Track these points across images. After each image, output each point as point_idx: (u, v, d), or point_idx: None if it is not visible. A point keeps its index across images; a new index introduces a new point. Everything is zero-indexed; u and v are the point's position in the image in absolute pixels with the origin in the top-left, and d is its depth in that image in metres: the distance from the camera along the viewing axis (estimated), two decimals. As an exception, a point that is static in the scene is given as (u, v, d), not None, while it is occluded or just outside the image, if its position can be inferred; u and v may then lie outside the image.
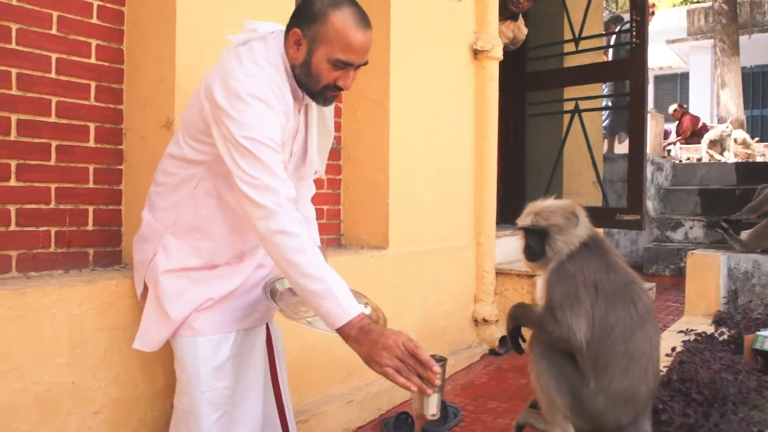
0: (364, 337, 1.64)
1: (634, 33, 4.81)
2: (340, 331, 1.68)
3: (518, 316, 2.29)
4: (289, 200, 1.73)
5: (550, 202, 2.24)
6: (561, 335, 2.05)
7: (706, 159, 10.14)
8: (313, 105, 1.97)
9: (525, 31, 5.13)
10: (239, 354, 2.03)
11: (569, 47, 5.41)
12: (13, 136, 2.21)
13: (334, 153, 3.57)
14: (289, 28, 1.86)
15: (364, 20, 1.79)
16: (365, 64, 1.85)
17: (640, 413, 2.06)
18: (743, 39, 14.34)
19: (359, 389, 3.17)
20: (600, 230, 6.31)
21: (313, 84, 1.84)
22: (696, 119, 12.54)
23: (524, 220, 2.22)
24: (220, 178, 1.88)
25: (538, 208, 2.22)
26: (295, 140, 1.97)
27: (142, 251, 2.04)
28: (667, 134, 12.52)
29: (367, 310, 2.00)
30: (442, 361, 1.76)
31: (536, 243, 2.17)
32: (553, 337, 2.08)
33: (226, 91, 1.72)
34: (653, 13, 8.20)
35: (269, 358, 2.15)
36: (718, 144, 10.46)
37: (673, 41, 18.04)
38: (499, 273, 4.34)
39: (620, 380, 2.02)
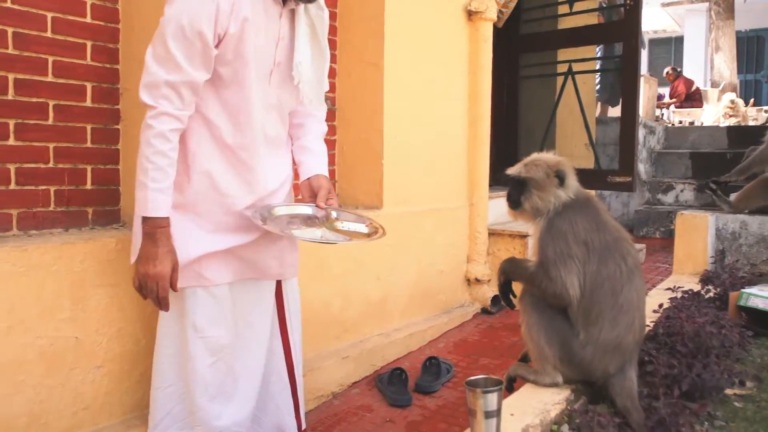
0: (146, 241, 1.82)
1: (628, -6, 4.80)
2: (144, 224, 1.82)
3: (510, 271, 2.34)
4: (170, 86, 1.77)
5: (543, 156, 2.30)
6: (555, 291, 2.12)
7: (723, 122, 10.11)
8: (301, 13, 1.94)
9: None
10: (241, 305, 2.06)
11: (563, 9, 5.40)
12: (10, 95, 2.23)
13: (330, 114, 3.58)
14: None
15: None
16: None
17: (626, 362, 2.14)
18: (738, 2, 14.24)
19: (354, 346, 3.25)
20: (592, 192, 6.38)
21: None
22: (690, 82, 12.51)
23: (513, 168, 2.30)
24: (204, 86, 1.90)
25: (528, 160, 2.29)
26: (278, 47, 1.94)
27: None
28: (660, 98, 12.51)
29: (366, 229, 2.07)
30: (498, 385, 1.82)
31: (515, 192, 2.25)
32: (546, 293, 2.15)
33: None
34: None
35: (279, 315, 2.18)
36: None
37: (668, 4, 17.92)
38: (492, 233, 4.40)
39: (609, 330, 2.09)
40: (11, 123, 2.23)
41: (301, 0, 1.91)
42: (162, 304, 1.85)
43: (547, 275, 2.12)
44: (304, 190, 2.11)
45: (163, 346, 2.00)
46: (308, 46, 1.98)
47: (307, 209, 2.07)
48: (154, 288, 1.82)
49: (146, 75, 1.78)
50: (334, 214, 2.07)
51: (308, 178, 2.12)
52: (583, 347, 2.12)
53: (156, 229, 1.82)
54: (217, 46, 1.81)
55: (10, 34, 2.22)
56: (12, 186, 2.24)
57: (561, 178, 2.22)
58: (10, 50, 2.23)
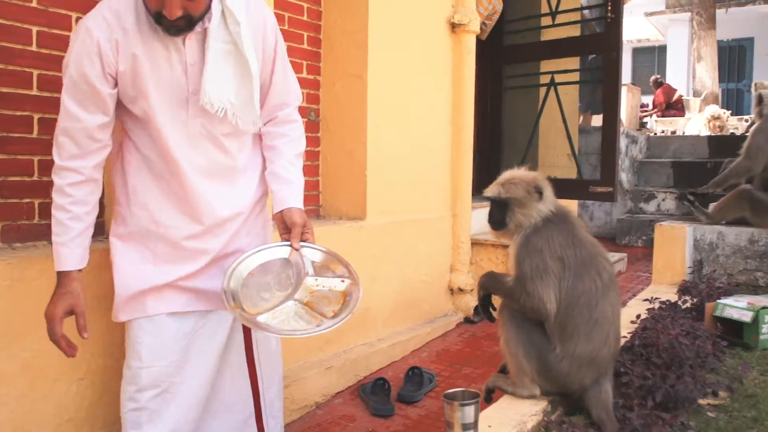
0: (55, 292, 1.85)
1: (609, 8, 4.88)
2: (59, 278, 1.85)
3: (489, 285, 2.36)
4: (67, 134, 1.80)
5: (517, 173, 2.31)
6: (532, 305, 2.15)
7: (706, 132, 10.23)
8: (213, 34, 1.80)
9: (501, 3, 5.17)
10: (193, 335, 2.01)
11: (546, 21, 5.47)
12: (-5, 109, 2.24)
13: (313, 125, 3.62)
14: None
15: None
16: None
17: (602, 374, 2.19)
18: (720, 13, 14.43)
19: (338, 356, 3.27)
20: (575, 201, 6.44)
21: (150, 11, 1.74)
22: (672, 92, 12.66)
23: (490, 189, 2.31)
24: (125, 118, 1.92)
25: (503, 179, 2.30)
26: (188, 75, 1.83)
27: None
28: (644, 107, 12.64)
29: (341, 285, 1.93)
30: (475, 398, 1.86)
31: (498, 213, 2.27)
32: (525, 307, 2.18)
33: None
34: None
35: (246, 343, 2.12)
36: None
37: (651, 14, 18.10)
38: (475, 243, 4.45)
39: (584, 344, 2.14)
40: (-5, 136, 2.25)
41: (166, 32, 1.75)
42: (56, 343, 1.84)
43: (524, 290, 2.15)
44: (278, 224, 2.02)
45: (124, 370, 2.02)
46: (227, 66, 1.84)
47: (279, 252, 1.96)
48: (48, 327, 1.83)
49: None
50: (306, 253, 1.94)
51: (281, 211, 2.01)
52: (559, 361, 2.16)
53: (60, 274, 1.86)
54: (115, 86, 1.81)
55: (-6, 49, 2.24)
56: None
57: (540, 193, 2.25)
58: (-5, 64, 2.24)
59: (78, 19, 2.45)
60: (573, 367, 2.15)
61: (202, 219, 1.95)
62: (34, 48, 2.34)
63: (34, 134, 2.35)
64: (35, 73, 2.34)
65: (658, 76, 13.32)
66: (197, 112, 1.87)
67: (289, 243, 1.95)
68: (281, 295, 1.83)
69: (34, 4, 2.33)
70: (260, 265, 1.93)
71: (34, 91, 2.34)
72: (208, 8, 1.76)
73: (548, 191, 2.28)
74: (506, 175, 2.32)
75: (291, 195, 2.02)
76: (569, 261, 2.15)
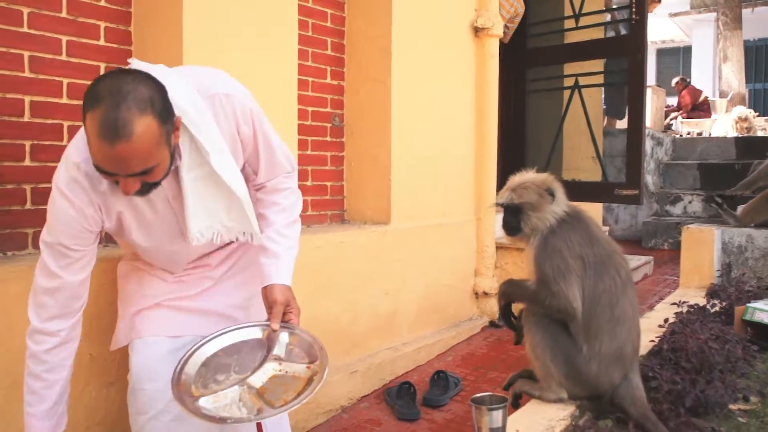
0: None
1: (634, 9, 4.84)
2: None
3: (510, 293, 2.34)
4: (46, 293, 1.71)
5: (527, 177, 2.28)
6: (559, 306, 2.13)
7: (732, 133, 10.11)
8: (183, 174, 1.68)
9: (523, 5, 5.16)
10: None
11: (569, 23, 5.44)
12: (26, 117, 2.29)
13: (337, 131, 3.64)
14: None
15: (112, 131, 1.42)
16: (144, 173, 1.51)
17: (629, 370, 2.18)
18: (746, 12, 14.25)
19: (363, 360, 3.28)
20: (599, 204, 6.39)
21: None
22: (697, 93, 12.49)
23: (501, 196, 2.28)
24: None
25: (514, 184, 2.27)
26: (173, 209, 1.76)
27: None
28: (668, 107, 12.51)
29: (305, 372, 1.75)
30: (503, 402, 1.85)
31: (512, 219, 2.24)
32: (550, 309, 2.16)
33: None
34: None
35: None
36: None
37: (676, 14, 17.93)
38: (500, 247, 4.43)
39: (609, 343, 2.13)
40: (27, 144, 2.29)
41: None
42: None
43: (549, 291, 2.14)
44: (263, 300, 1.87)
45: None
46: (208, 192, 1.72)
47: (253, 333, 1.83)
48: None
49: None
50: (282, 335, 1.79)
51: (264, 287, 1.86)
52: (587, 362, 2.15)
53: None
54: (98, 235, 1.76)
55: (26, 58, 2.29)
56: (28, 206, 2.30)
57: (552, 195, 2.23)
58: (27, 73, 2.29)
59: (107, 28, 2.50)
60: (602, 366, 2.14)
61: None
62: (63, 57, 2.39)
63: (64, 142, 2.38)
64: (65, 81, 2.39)
65: (684, 78, 13.16)
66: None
67: (267, 323, 1.81)
68: (236, 378, 1.71)
69: (63, 15, 2.38)
70: (227, 347, 1.82)
71: (64, 100, 2.39)
72: (171, 164, 1.60)
73: (560, 192, 2.26)
74: (516, 179, 2.29)
75: (275, 270, 1.86)
76: (588, 259, 2.14)
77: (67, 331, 1.75)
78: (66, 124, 2.39)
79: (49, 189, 2.30)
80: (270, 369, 1.72)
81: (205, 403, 1.63)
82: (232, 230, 1.80)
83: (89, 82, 2.39)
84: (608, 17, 6.50)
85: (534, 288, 2.20)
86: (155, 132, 1.47)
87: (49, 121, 2.35)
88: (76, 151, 1.63)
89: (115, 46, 2.53)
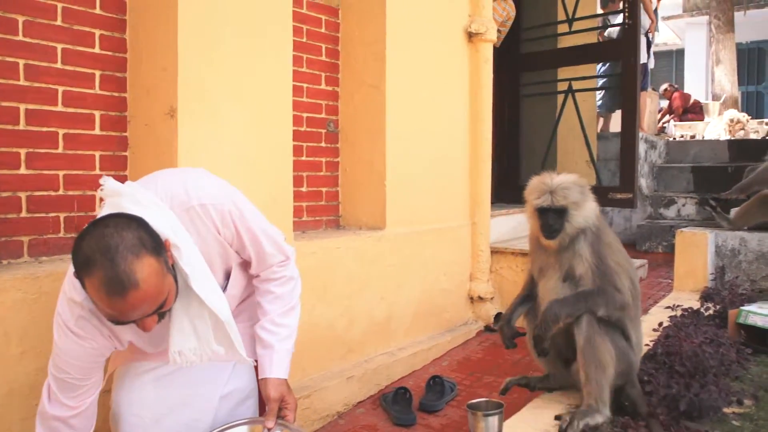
0: None
1: (626, 14, 4.87)
2: None
3: (559, 314, 2.15)
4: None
5: (561, 179, 2.24)
6: (623, 301, 2.15)
7: (725, 136, 10.16)
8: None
9: (514, 9, 5.18)
10: (165, 390, 1.87)
11: (563, 28, 5.47)
12: (21, 125, 2.29)
13: (332, 136, 3.65)
14: None
15: (119, 285, 1.43)
16: (155, 313, 1.54)
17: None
18: (738, 15, 14.31)
19: (359, 365, 3.29)
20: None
21: None
22: (687, 96, 12.60)
23: (542, 200, 2.21)
24: None
25: (552, 186, 2.21)
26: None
27: None
28: (660, 112, 12.58)
29: None
30: (499, 408, 1.87)
31: (556, 221, 2.18)
32: (614, 307, 2.14)
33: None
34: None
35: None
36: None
37: (668, 17, 17.99)
38: (494, 252, 4.44)
39: (639, 330, 2.25)
40: (22, 152, 2.29)
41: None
42: None
43: (615, 287, 2.13)
44: (261, 393, 1.88)
45: None
46: (202, 315, 1.70)
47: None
48: None
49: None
50: None
51: (260, 380, 1.87)
52: (634, 351, 2.22)
53: None
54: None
55: (21, 66, 2.29)
56: (23, 214, 2.30)
57: (589, 192, 2.24)
58: (22, 81, 2.29)
59: (102, 36, 2.50)
60: (638, 354, 2.22)
61: None
62: (59, 65, 2.39)
63: (60, 149, 2.40)
64: (60, 89, 2.39)
65: (672, 84, 13.28)
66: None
67: (262, 420, 1.80)
68: None
69: (58, 23, 2.39)
70: None
71: (59, 107, 2.39)
72: (177, 285, 1.61)
73: (589, 189, 2.26)
74: (548, 181, 2.23)
75: (270, 363, 1.85)
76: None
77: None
78: (61, 132, 2.40)
79: (45, 197, 2.34)
80: None
81: None
82: (219, 355, 1.74)
83: (84, 90, 2.43)
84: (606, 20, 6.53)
85: (595, 289, 2.14)
86: (157, 268, 1.49)
87: (45, 129, 2.35)
88: (75, 290, 1.60)
89: (110, 53, 2.54)
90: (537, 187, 2.25)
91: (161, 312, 1.55)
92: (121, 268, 1.42)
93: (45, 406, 1.73)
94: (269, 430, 1.75)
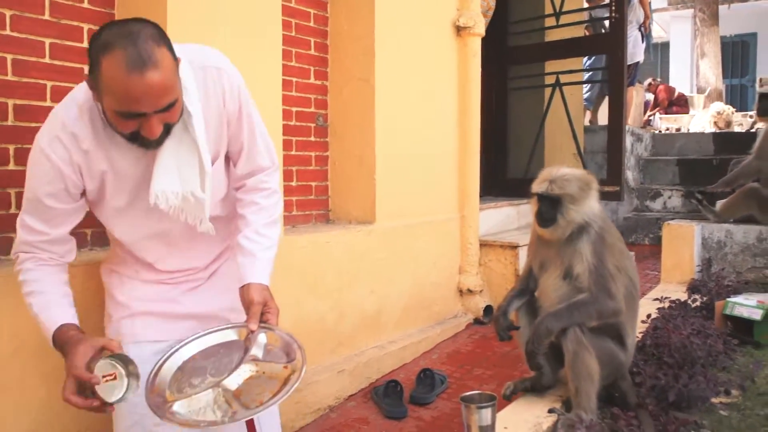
0: (61, 350, 1.62)
1: (613, 8, 4.89)
2: (56, 345, 1.65)
3: (552, 327, 2.16)
4: (28, 244, 1.70)
5: (566, 171, 2.24)
6: (615, 308, 2.14)
7: (710, 129, 10.23)
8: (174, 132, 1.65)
9: None
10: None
11: (550, 21, 5.49)
12: (10, 121, 2.27)
13: (321, 130, 3.65)
14: None
15: (140, 62, 1.44)
16: (168, 108, 1.53)
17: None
18: (722, 8, 14.42)
19: (350, 359, 3.30)
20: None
21: (119, 132, 1.58)
22: (672, 89, 12.71)
23: (540, 186, 2.22)
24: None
25: (554, 176, 2.22)
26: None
27: None
28: (647, 105, 12.66)
29: (283, 372, 1.71)
30: (492, 400, 1.87)
31: (549, 210, 2.19)
32: (606, 314, 2.14)
33: None
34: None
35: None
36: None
37: (654, 11, 18.07)
38: (483, 245, 4.46)
39: (634, 332, 2.26)
40: (11, 148, 2.27)
41: (141, 147, 1.62)
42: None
43: (608, 294, 2.12)
44: (241, 300, 1.83)
45: None
46: (192, 161, 1.70)
47: (230, 335, 1.82)
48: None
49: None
50: (260, 338, 1.75)
51: (241, 287, 1.83)
52: (626, 354, 2.24)
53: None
54: (81, 197, 1.73)
55: (9, 61, 2.27)
56: (13, 210, 2.28)
57: (591, 189, 2.24)
58: (10, 77, 2.27)
59: (90, 30, 2.49)
60: (630, 355, 2.24)
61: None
62: (47, 60, 2.37)
63: (49, 145, 2.37)
64: (49, 84, 2.37)
65: (655, 78, 13.38)
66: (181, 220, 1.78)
67: (245, 324, 1.75)
68: (212, 381, 1.69)
69: (46, 17, 2.37)
70: (204, 350, 1.80)
71: (48, 103, 2.37)
72: (182, 110, 1.62)
73: (595, 189, 2.25)
74: (554, 171, 2.24)
75: (251, 270, 1.83)
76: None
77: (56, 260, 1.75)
78: (50, 127, 2.38)
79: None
80: (246, 370, 1.70)
81: (179, 407, 1.61)
82: (198, 206, 1.73)
83: (73, 85, 2.40)
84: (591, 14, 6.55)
85: (588, 297, 2.14)
86: (172, 63, 1.52)
87: (33, 125, 2.32)
88: (65, 110, 1.65)
89: (98, 48, 2.52)
90: (542, 175, 2.27)
91: (166, 124, 1.56)
92: (142, 48, 1.45)
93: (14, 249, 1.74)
94: (252, 332, 1.72)
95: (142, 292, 1.88)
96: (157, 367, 1.72)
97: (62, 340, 1.62)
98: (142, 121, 1.52)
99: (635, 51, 8.05)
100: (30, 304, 1.70)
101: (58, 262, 1.77)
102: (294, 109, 3.45)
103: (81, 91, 1.67)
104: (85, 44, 2.48)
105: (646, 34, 8.33)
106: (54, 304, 1.69)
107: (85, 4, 2.48)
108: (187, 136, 1.67)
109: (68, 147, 1.63)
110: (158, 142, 1.60)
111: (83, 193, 1.72)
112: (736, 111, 11.74)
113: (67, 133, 1.62)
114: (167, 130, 1.59)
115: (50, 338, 1.65)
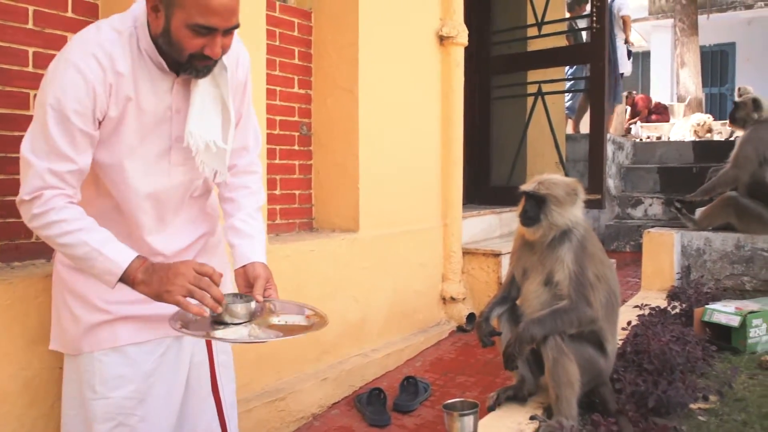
0: (150, 277, 1.60)
1: (594, 18, 4.96)
2: (126, 280, 1.60)
3: (535, 334, 2.16)
4: (56, 176, 1.59)
5: (557, 177, 2.29)
6: (592, 316, 2.17)
7: (690, 137, 10.38)
8: (199, 83, 1.70)
9: None
10: (151, 363, 1.84)
11: (532, 32, 5.55)
12: (-7, 129, 2.27)
13: (305, 139, 3.66)
14: None
15: None
16: (236, 27, 1.62)
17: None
18: (702, 19, 14.60)
19: (333, 367, 3.31)
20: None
21: (177, 54, 1.61)
22: (648, 99, 12.93)
23: (528, 185, 2.26)
24: (96, 163, 1.70)
25: (543, 178, 2.27)
26: (173, 122, 1.72)
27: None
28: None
29: (306, 321, 1.78)
30: (474, 408, 1.89)
31: (533, 208, 2.22)
32: (584, 322, 2.17)
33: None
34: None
35: (210, 370, 1.98)
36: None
37: (635, 20, 18.26)
38: (466, 252, 4.49)
39: (614, 339, 2.28)
40: (-6, 157, 2.27)
41: (191, 74, 1.66)
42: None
43: (587, 302, 2.15)
44: (239, 279, 1.85)
45: (67, 407, 1.87)
46: (216, 112, 1.75)
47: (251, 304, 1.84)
48: (195, 277, 1.59)
49: (26, 173, 1.61)
50: (274, 306, 1.81)
51: (243, 266, 1.85)
52: (607, 360, 2.26)
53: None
54: (97, 129, 1.65)
55: (-8, 70, 2.27)
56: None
57: (577, 197, 2.26)
58: (-7, 86, 2.27)
59: (74, 39, 2.48)
60: (611, 361, 2.27)
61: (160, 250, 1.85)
62: (30, 69, 2.37)
63: (32, 154, 2.37)
64: (32, 93, 2.37)
65: (631, 91, 13.58)
66: (181, 159, 1.77)
67: (250, 296, 1.75)
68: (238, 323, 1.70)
69: (29, 26, 2.37)
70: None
71: (32, 111, 2.36)
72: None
73: (581, 198, 2.28)
74: (544, 176, 2.29)
75: (253, 250, 1.87)
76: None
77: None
78: (33, 136, 2.37)
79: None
80: (269, 321, 1.74)
81: (221, 335, 1.64)
82: (216, 156, 1.76)
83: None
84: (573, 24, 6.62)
85: (569, 304, 2.16)
86: None
87: (17, 134, 2.32)
88: (99, 33, 1.63)
89: (82, 57, 2.52)
90: (534, 178, 2.31)
91: (223, 49, 1.63)
92: None
93: (32, 210, 1.61)
94: (259, 303, 1.73)
95: (121, 294, 1.73)
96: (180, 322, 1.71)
97: (148, 267, 1.61)
98: (207, 39, 1.58)
99: (623, 62, 8.22)
100: (80, 242, 1.59)
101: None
102: (278, 118, 3.46)
103: (115, 20, 1.67)
104: (69, 53, 2.48)
105: (630, 50, 8.47)
106: (113, 239, 1.63)
107: (69, 13, 2.49)
108: (212, 88, 1.72)
109: (104, 66, 1.60)
110: (207, 71, 1.65)
111: (100, 124, 1.65)
112: (715, 120, 11.90)
113: (105, 52, 1.60)
114: (214, 62, 1.65)
115: (120, 271, 1.59)
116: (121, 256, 1.60)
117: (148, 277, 1.60)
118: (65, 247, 1.62)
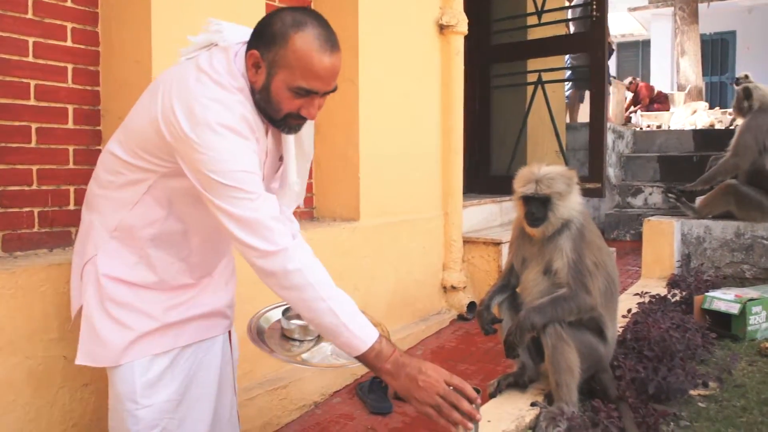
0: (398, 371, 1.59)
1: (594, 7, 4.95)
2: (364, 359, 1.62)
3: (536, 322, 2.18)
4: (277, 221, 1.60)
5: (547, 168, 2.26)
6: (591, 304, 2.17)
7: (690, 126, 10.38)
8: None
9: None
10: (186, 365, 1.87)
11: (532, 20, 5.54)
12: (-6, 119, 2.27)
13: (305, 129, 3.66)
14: (248, 48, 1.63)
15: (330, 43, 1.57)
16: (333, 90, 1.63)
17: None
18: (702, 7, 14.57)
19: (335, 356, 3.31)
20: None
21: (274, 112, 1.63)
22: (652, 87, 12.87)
23: (526, 188, 2.23)
24: (177, 190, 1.70)
25: (538, 176, 2.23)
26: (265, 165, 1.76)
27: (82, 253, 1.82)
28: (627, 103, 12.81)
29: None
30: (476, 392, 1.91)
31: (539, 209, 2.21)
32: (583, 310, 2.18)
33: (192, 118, 1.53)
34: None
35: (233, 366, 2.05)
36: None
37: (634, 9, 18.23)
38: (467, 241, 4.50)
39: (614, 325, 2.29)
40: (-5, 147, 2.28)
41: (283, 131, 1.69)
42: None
43: (585, 289, 2.16)
44: None
45: (110, 419, 1.84)
46: (294, 153, 1.80)
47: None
48: (445, 390, 1.57)
49: (244, 229, 1.57)
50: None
51: None
52: (607, 347, 2.28)
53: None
54: None
55: (-8, 60, 2.27)
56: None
57: (575, 185, 2.26)
58: (-7, 76, 2.27)
59: (74, 29, 2.48)
60: (611, 347, 2.29)
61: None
62: (30, 59, 2.37)
63: (32, 144, 2.38)
64: (32, 83, 2.37)
65: (636, 77, 13.52)
66: None
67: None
68: (310, 341, 1.80)
69: (29, 16, 2.36)
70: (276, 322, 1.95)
71: (32, 101, 2.37)
72: None
73: (577, 182, 2.28)
74: (535, 171, 2.25)
75: None
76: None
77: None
78: (34, 126, 2.38)
79: (20, 192, 2.32)
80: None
81: (307, 357, 1.74)
82: (300, 194, 1.88)
83: (57, 84, 2.42)
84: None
85: (568, 292, 2.17)
86: None
87: (17, 124, 2.33)
88: (220, 92, 1.58)
89: (82, 47, 2.52)
90: (524, 176, 2.27)
91: (319, 109, 1.67)
92: (331, 31, 1.60)
93: (279, 243, 1.60)
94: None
95: (167, 302, 1.80)
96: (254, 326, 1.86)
97: (397, 360, 1.61)
98: (306, 101, 1.60)
99: None
100: (327, 310, 1.63)
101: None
102: (278, 107, 3.45)
103: (225, 73, 1.62)
104: (70, 43, 2.48)
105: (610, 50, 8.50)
106: (357, 310, 1.67)
107: (69, 3, 2.48)
108: (298, 143, 1.79)
109: (253, 128, 1.63)
110: (298, 129, 1.70)
111: None
112: (718, 107, 11.91)
113: (249, 114, 1.62)
114: (305, 120, 1.69)
115: (364, 348, 1.61)
116: (367, 334, 1.64)
117: (396, 371, 1.60)
118: (317, 311, 1.65)
